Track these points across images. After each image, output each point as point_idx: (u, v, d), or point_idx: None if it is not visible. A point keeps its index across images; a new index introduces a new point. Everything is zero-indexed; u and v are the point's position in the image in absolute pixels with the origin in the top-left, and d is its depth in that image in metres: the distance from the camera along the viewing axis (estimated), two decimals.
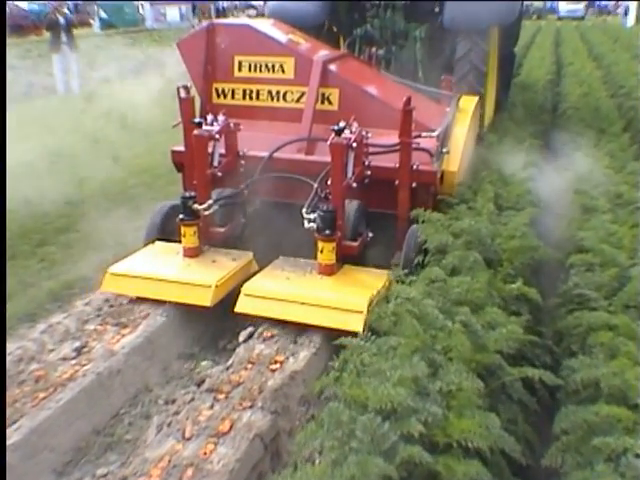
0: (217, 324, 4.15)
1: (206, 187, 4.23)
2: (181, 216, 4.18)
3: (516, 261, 3.61)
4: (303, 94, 4.62)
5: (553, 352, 3.17)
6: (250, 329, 3.82)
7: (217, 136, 4.24)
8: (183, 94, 4.40)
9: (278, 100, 4.73)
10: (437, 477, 2.04)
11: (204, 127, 4.19)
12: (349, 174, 4.00)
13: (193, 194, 4.18)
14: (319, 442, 2.14)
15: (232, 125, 4.43)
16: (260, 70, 4.75)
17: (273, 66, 4.71)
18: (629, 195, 4.56)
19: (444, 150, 4.39)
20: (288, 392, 3.15)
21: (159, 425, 3.13)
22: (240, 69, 4.80)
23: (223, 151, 4.40)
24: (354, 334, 2.99)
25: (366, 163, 4.24)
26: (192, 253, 4.23)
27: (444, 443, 2.15)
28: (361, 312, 3.45)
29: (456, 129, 4.76)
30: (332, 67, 4.71)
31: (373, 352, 2.68)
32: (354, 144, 3.91)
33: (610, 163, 5.44)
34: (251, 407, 2.99)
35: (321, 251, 3.89)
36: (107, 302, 4.08)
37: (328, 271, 3.92)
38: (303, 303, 3.68)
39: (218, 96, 4.90)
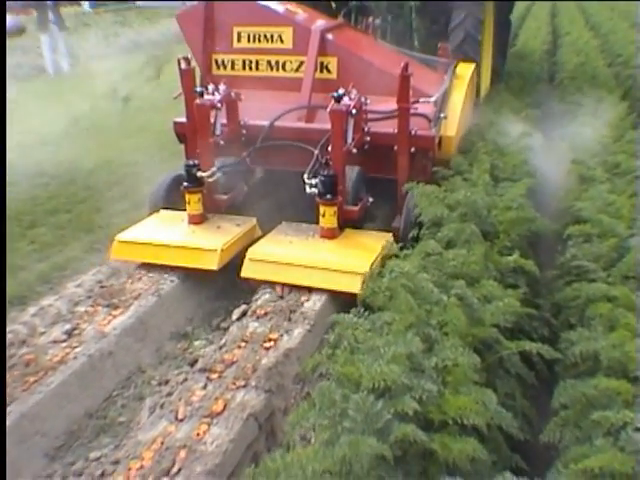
0: (210, 302, 4.11)
1: (209, 155, 4.28)
2: (185, 183, 4.23)
3: (513, 233, 3.56)
4: (302, 63, 4.63)
5: (551, 325, 3.12)
6: (244, 307, 3.78)
7: (219, 105, 4.24)
8: (184, 65, 4.37)
9: (277, 70, 4.75)
10: (432, 455, 1.99)
11: (206, 96, 4.19)
12: (349, 140, 4.03)
13: (197, 162, 4.21)
14: (312, 422, 2.09)
15: (233, 94, 4.43)
16: (259, 40, 4.76)
17: (272, 36, 4.71)
18: (627, 164, 4.48)
19: (442, 115, 4.39)
20: (282, 370, 3.10)
21: (152, 407, 3.10)
22: (239, 40, 4.81)
23: (225, 121, 4.40)
24: (354, 295, 3.14)
25: (365, 129, 4.25)
26: (197, 220, 4.31)
27: (439, 420, 2.10)
28: (362, 274, 3.47)
29: (453, 95, 4.74)
30: (330, 36, 4.70)
31: (367, 328, 2.63)
32: (353, 111, 3.94)
33: (608, 132, 5.35)
34: (245, 386, 2.94)
35: (323, 215, 3.98)
36: (98, 283, 4.02)
37: (330, 234, 4.01)
38: (307, 266, 3.75)
39: (218, 67, 4.90)
